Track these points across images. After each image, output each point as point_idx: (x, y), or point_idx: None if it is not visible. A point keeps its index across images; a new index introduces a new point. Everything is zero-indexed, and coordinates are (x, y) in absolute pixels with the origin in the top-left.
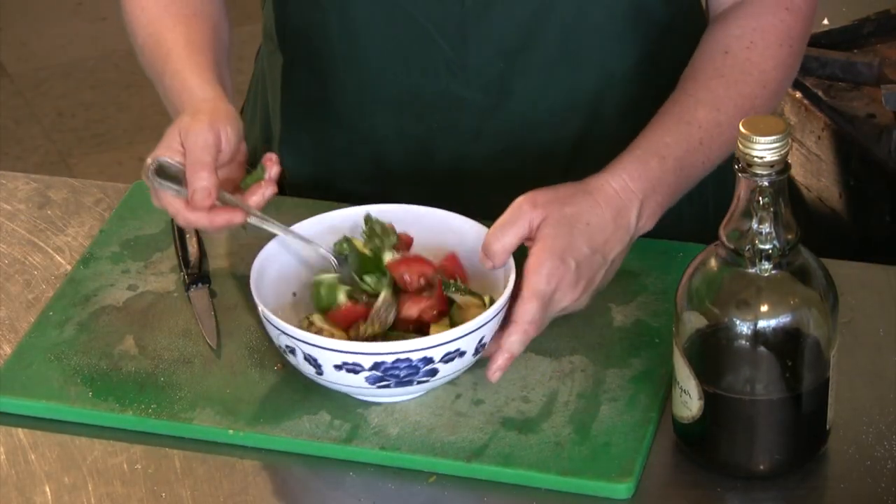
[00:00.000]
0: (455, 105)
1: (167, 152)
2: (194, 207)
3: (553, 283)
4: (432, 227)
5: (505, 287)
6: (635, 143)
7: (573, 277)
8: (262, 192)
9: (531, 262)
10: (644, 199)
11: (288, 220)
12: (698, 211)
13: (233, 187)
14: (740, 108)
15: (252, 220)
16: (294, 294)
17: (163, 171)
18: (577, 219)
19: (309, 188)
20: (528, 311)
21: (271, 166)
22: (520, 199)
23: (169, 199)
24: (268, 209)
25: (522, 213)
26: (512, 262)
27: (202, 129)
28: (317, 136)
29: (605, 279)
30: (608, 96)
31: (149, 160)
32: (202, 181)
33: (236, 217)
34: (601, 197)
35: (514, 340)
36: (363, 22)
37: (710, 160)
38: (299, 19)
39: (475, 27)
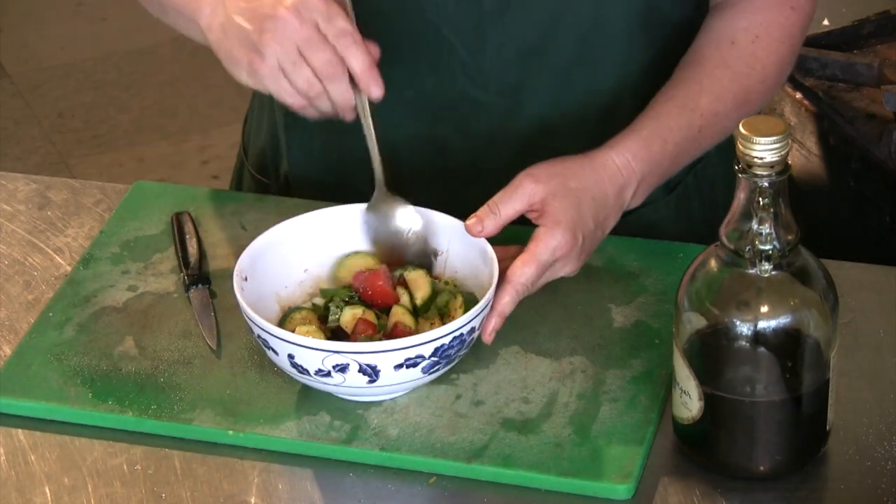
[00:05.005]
0: (471, 108)
1: None
2: (367, 79)
3: (557, 255)
4: (427, 228)
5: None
6: (641, 124)
7: (578, 251)
8: None
9: (541, 231)
10: (642, 179)
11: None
12: (708, 212)
13: None
14: (738, 101)
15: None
16: (305, 271)
17: None
18: (584, 193)
19: (317, 191)
20: (524, 273)
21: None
22: (520, 175)
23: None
24: (268, 210)
25: (523, 189)
26: (496, 263)
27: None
28: (327, 140)
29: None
30: (623, 97)
31: None
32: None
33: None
34: (605, 173)
35: (507, 301)
36: (378, 26)
37: (702, 147)
38: None
39: (492, 30)
